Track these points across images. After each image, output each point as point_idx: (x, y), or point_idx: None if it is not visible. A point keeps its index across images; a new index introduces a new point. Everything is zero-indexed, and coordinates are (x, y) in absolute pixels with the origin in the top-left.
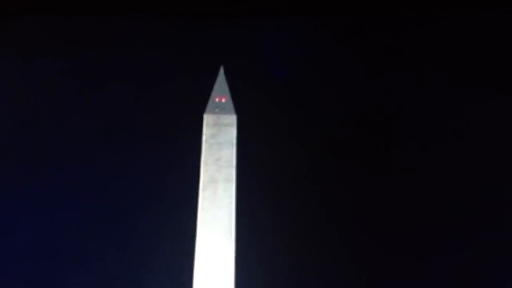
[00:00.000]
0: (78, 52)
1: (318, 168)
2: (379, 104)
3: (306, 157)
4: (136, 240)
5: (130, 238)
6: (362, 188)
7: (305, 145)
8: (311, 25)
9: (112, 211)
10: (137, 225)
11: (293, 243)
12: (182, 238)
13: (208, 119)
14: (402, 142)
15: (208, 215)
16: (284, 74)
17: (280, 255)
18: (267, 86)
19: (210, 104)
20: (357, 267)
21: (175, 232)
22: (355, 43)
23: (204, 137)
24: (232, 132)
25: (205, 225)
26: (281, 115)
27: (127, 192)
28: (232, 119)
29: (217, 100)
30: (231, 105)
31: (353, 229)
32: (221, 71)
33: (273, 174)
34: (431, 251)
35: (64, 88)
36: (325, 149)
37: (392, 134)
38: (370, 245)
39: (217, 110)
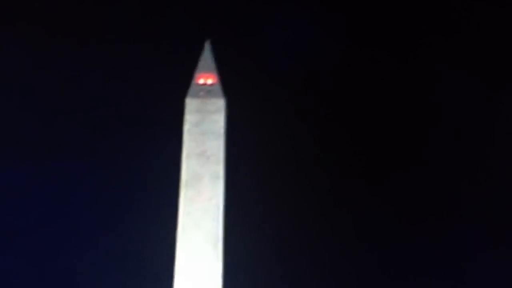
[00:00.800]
0: (54, 39)
1: (317, 167)
2: (368, 96)
3: (305, 152)
4: (105, 252)
5: (99, 247)
6: (355, 185)
7: (304, 137)
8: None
9: (74, 212)
10: (106, 232)
11: (287, 253)
12: (159, 248)
13: (191, 105)
14: (394, 138)
15: (191, 219)
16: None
17: (274, 271)
18: (262, 64)
19: (193, 87)
20: (347, 266)
21: (151, 240)
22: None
23: (186, 126)
24: (220, 120)
25: (187, 232)
26: (278, 100)
27: (95, 192)
28: (219, 104)
29: (201, 81)
30: (218, 87)
31: (345, 228)
32: (207, 46)
33: (268, 171)
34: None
35: (40, 76)
36: (325, 144)
37: (383, 129)
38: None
39: (201, 93)
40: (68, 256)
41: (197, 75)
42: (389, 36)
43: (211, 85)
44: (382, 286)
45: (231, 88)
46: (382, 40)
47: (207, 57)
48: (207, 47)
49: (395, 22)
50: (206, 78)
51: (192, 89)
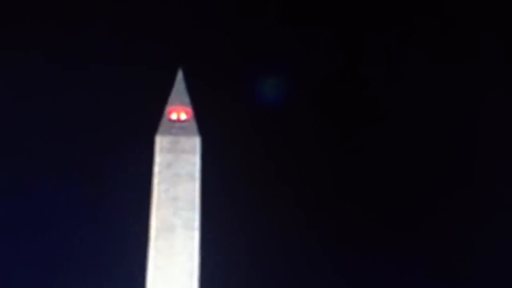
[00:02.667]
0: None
1: (302, 213)
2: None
3: (289, 198)
4: None
5: None
6: (339, 223)
7: (288, 179)
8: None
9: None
10: None
11: None
12: None
13: (161, 143)
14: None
15: (162, 275)
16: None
17: None
18: (242, 96)
19: (164, 122)
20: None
21: None
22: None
23: (156, 168)
24: (195, 161)
25: None
26: (260, 137)
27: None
28: (194, 142)
29: (174, 116)
30: (193, 123)
31: (331, 268)
32: (180, 75)
33: (249, 218)
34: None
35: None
36: (311, 184)
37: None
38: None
39: (174, 130)
40: None
41: (168, 109)
42: (363, 72)
43: (185, 120)
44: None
45: (207, 124)
46: (360, 75)
47: (179, 88)
48: (180, 77)
49: (373, 55)
50: (179, 112)
51: (163, 125)
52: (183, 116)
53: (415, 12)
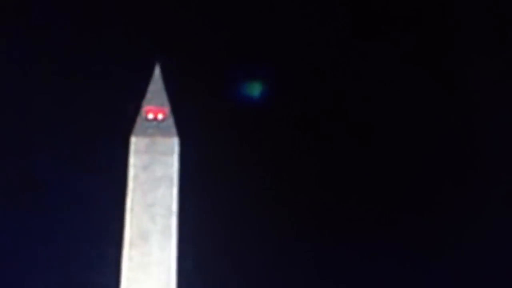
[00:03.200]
0: None
1: (286, 220)
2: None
3: (272, 202)
4: None
5: None
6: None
7: (272, 182)
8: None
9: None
10: None
11: None
12: None
13: (137, 144)
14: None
15: (136, 287)
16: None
17: None
18: (222, 96)
19: (140, 122)
20: None
21: None
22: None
23: (131, 171)
24: (173, 163)
25: None
26: (243, 137)
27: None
28: (172, 143)
29: (150, 115)
30: (171, 123)
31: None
32: (157, 71)
33: (231, 224)
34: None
35: None
36: (296, 191)
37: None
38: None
39: (150, 130)
40: None
41: (145, 108)
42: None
43: (162, 120)
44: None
45: (186, 124)
46: (345, 74)
47: (157, 85)
48: (157, 73)
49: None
50: (155, 111)
51: (138, 125)
52: (160, 116)
53: (400, 15)
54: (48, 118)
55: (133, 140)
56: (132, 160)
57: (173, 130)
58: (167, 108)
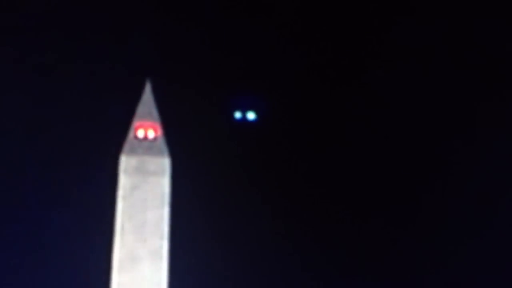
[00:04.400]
0: None
1: (279, 244)
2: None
3: (267, 226)
4: None
5: None
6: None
7: (267, 206)
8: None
9: None
10: None
11: None
12: None
13: (127, 163)
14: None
15: None
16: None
17: None
18: (216, 113)
19: (130, 140)
20: None
21: None
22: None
23: (120, 192)
24: (164, 184)
25: None
26: (237, 157)
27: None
28: (163, 163)
29: (141, 133)
30: (162, 142)
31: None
32: (148, 87)
33: (223, 247)
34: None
35: None
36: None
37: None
38: None
39: (140, 149)
40: None
41: (135, 125)
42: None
43: (153, 139)
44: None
45: (178, 143)
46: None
47: (147, 101)
48: (148, 90)
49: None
50: (146, 129)
51: (128, 144)
52: (151, 134)
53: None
54: (35, 137)
55: (123, 159)
56: (122, 180)
57: (165, 149)
58: (158, 126)
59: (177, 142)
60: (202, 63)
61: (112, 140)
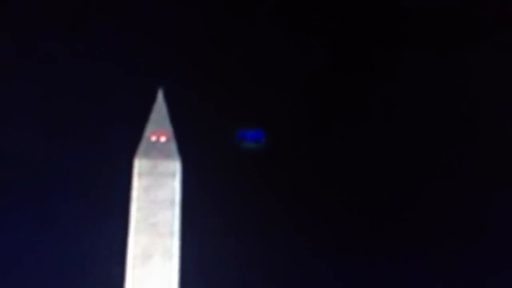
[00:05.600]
0: None
1: (287, 245)
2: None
3: (273, 225)
4: None
5: None
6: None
7: (273, 205)
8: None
9: None
10: None
11: None
12: None
13: (140, 166)
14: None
15: None
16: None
17: None
18: (224, 120)
19: (144, 144)
20: None
21: None
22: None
23: (134, 192)
24: (174, 185)
25: None
26: (244, 160)
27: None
28: (174, 166)
29: (153, 138)
30: (173, 146)
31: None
32: (160, 95)
33: (231, 246)
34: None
35: None
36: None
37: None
38: None
39: (153, 153)
40: None
41: (148, 130)
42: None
43: (165, 143)
44: None
45: (188, 147)
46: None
47: (160, 108)
48: (160, 97)
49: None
50: (158, 134)
51: (142, 148)
52: (163, 139)
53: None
54: (57, 141)
55: (137, 162)
56: (136, 181)
57: (175, 153)
58: (169, 131)
59: (187, 147)
60: (212, 72)
61: (127, 144)
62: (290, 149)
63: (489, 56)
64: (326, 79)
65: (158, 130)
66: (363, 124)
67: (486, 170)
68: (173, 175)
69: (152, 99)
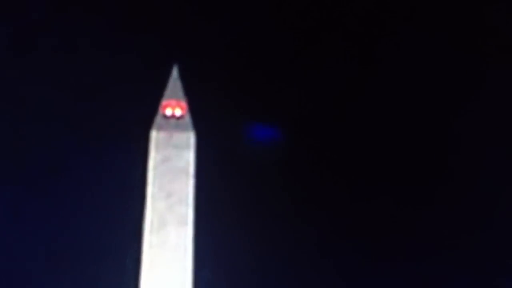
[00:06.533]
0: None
1: (298, 213)
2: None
3: (285, 195)
4: None
5: None
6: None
7: (285, 177)
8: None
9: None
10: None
11: None
12: None
13: (156, 138)
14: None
15: (156, 272)
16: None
17: None
18: (238, 92)
19: (159, 118)
20: None
21: None
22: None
23: (151, 163)
24: (189, 157)
25: (152, 286)
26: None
27: (45, 238)
28: (188, 137)
29: (168, 112)
30: (188, 119)
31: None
32: (175, 71)
33: (244, 215)
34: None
35: None
36: (305, 189)
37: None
38: None
39: (168, 125)
40: None
41: (163, 104)
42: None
43: (180, 116)
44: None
45: (202, 120)
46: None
47: (175, 84)
48: (175, 73)
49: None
50: (173, 107)
51: (157, 121)
52: (177, 112)
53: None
54: (74, 114)
55: (153, 134)
56: (152, 153)
57: (190, 125)
58: (184, 105)
59: (201, 119)
60: (226, 47)
61: (144, 117)
62: (307, 124)
63: (489, 56)
64: (352, 80)
65: (173, 104)
66: (383, 125)
67: (488, 171)
68: (187, 146)
69: (167, 74)
